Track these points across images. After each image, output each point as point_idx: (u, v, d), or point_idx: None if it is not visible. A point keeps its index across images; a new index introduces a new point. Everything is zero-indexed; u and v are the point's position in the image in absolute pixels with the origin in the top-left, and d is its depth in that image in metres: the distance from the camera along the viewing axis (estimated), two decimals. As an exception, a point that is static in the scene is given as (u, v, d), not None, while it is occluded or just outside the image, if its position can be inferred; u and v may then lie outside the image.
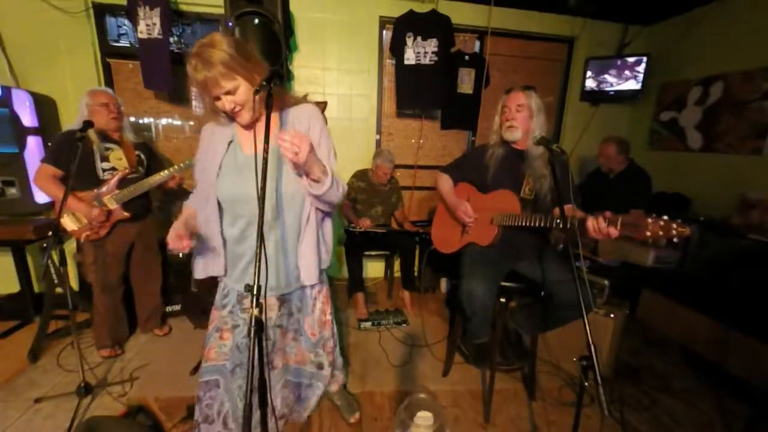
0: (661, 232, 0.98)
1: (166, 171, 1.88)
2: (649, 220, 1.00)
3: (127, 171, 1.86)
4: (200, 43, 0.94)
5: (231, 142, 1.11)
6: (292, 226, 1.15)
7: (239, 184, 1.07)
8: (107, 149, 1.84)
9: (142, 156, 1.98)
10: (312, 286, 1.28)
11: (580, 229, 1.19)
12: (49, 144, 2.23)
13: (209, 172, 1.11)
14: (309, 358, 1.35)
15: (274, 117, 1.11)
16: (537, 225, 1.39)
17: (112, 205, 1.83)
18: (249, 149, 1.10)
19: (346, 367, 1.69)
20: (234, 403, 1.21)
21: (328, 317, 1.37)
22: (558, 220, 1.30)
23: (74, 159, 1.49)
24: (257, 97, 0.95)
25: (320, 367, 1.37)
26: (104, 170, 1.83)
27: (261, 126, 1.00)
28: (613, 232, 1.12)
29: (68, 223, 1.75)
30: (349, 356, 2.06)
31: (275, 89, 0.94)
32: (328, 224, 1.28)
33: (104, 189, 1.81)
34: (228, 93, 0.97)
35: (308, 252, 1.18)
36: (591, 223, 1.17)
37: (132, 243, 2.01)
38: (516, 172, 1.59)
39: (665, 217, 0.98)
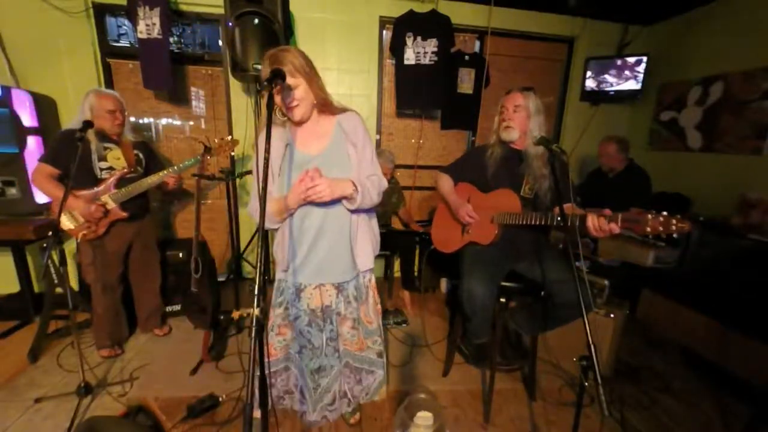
0: (660, 228, 0.99)
1: (164, 171, 1.88)
2: (649, 216, 1.01)
3: (125, 170, 1.86)
4: (277, 48, 1.14)
5: (288, 144, 1.21)
6: (345, 217, 1.24)
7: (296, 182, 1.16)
8: (105, 148, 1.84)
9: (141, 155, 1.98)
10: (365, 275, 1.35)
11: (581, 227, 1.20)
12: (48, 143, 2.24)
13: (271, 172, 1.16)
14: (367, 344, 1.41)
15: (331, 121, 1.25)
16: (537, 223, 1.39)
17: (110, 205, 1.83)
18: (307, 149, 1.22)
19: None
20: (305, 380, 1.38)
21: (379, 306, 1.43)
22: (558, 218, 1.30)
23: (73, 159, 1.48)
24: (308, 100, 1.15)
25: (380, 355, 1.44)
26: (102, 169, 1.82)
27: (314, 126, 1.23)
28: (614, 228, 1.13)
29: (65, 222, 1.75)
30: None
31: (325, 97, 1.20)
32: (374, 216, 1.39)
33: (102, 188, 1.81)
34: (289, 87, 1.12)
35: (362, 240, 1.28)
36: (591, 220, 1.18)
37: (130, 243, 2.01)
38: (515, 171, 1.60)
39: (665, 213, 0.99)
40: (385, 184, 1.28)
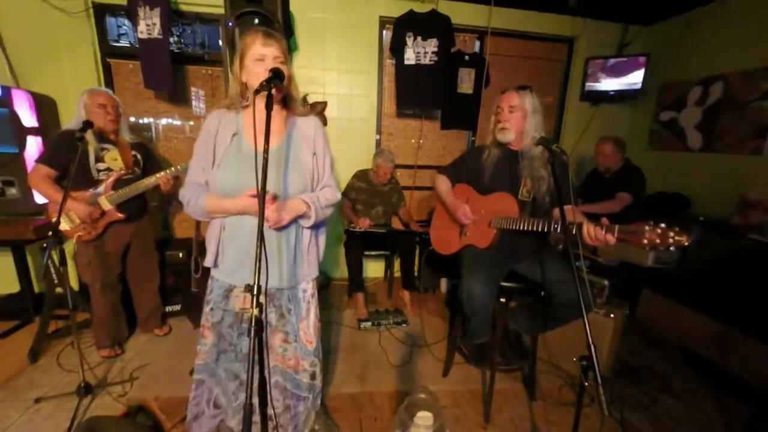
0: (658, 240, 0.97)
1: (161, 173, 1.87)
2: (647, 228, 0.99)
3: (122, 172, 1.86)
4: (264, 28, 1.13)
5: (235, 134, 1.14)
6: (291, 224, 1.16)
7: (239, 177, 1.09)
8: (103, 149, 1.83)
9: (139, 156, 1.97)
10: (305, 290, 1.27)
11: (578, 234, 1.19)
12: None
13: (209, 160, 1.13)
14: (304, 366, 1.29)
15: (289, 119, 1.20)
16: (534, 229, 1.38)
17: (107, 206, 1.82)
18: (256, 144, 1.10)
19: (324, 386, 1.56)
20: (223, 385, 1.27)
21: (319, 323, 1.33)
22: (555, 225, 1.30)
23: (73, 159, 1.48)
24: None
25: (313, 377, 1.32)
26: (99, 170, 1.82)
27: (278, 122, 1.16)
28: (610, 239, 1.12)
29: (61, 222, 1.74)
30: (349, 356, 2.07)
31: (291, 93, 1.14)
32: (323, 231, 1.31)
33: (100, 189, 1.80)
34: (276, 59, 1.08)
35: (306, 249, 1.23)
36: (587, 229, 1.17)
37: (128, 243, 2.00)
38: (513, 173, 1.59)
39: (663, 225, 0.97)
40: (338, 196, 1.24)
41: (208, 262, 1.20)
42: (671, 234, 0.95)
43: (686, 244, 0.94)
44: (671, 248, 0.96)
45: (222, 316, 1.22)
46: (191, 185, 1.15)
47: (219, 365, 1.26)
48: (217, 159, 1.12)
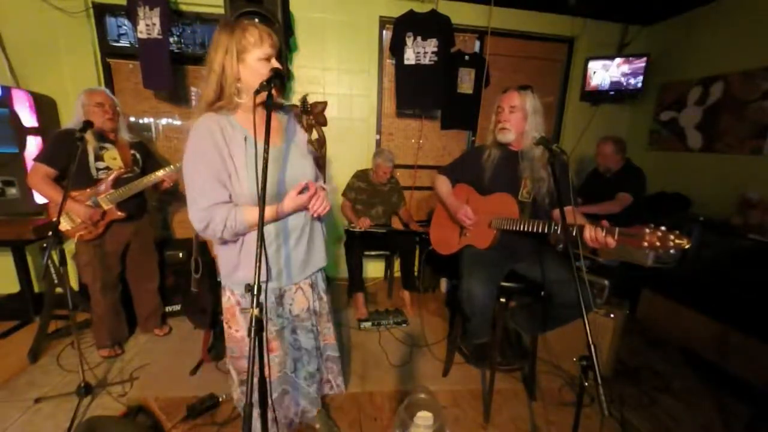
0: (658, 243, 0.98)
1: (161, 171, 1.88)
2: (647, 230, 1.00)
3: (121, 171, 1.86)
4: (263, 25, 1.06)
5: (246, 137, 1.04)
6: (307, 213, 1.16)
7: (271, 177, 1.01)
8: (102, 148, 1.83)
9: (138, 155, 1.98)
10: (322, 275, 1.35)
11: (578, 236, 1.20)
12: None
13: (228, 170, 1.02)
14: (336, 337, 1.44)
15: (278, 113, 1.18)
16: (534, 230, 1.38)
17: (107, 205, 1.82)
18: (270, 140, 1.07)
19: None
20: (303, 392, 1.36)
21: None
22: (556, 227, 1.30)
23: (73, 159, 1.48)
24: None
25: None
26: (98, 169, 1.82)
27: (275, 119, 1.12)
28: (611, 241, 1.12)
29: (62, 222, 1.74)
30: (349, 356, 2.07)
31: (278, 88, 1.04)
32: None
33: (100, 188, 1.80)
34: (277, 59, 1.05)
35: (321, 234, 1.29)
36: (588, 231, 1.17)
37: (128, 243, 2.01)
38: (513, 174, 1.58)
39: (663, 228, 0.98)
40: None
41: (246, 278, 1.08)
42: (671, 237, 0.95)
43: (686, 247, 0.94)
44: (671, 251, 0.96)
45: (282, 323, 1.21)
46: (212, 207, 0.99)
47: (298, 375, 1.32)
48: (239, 167, 1.02)
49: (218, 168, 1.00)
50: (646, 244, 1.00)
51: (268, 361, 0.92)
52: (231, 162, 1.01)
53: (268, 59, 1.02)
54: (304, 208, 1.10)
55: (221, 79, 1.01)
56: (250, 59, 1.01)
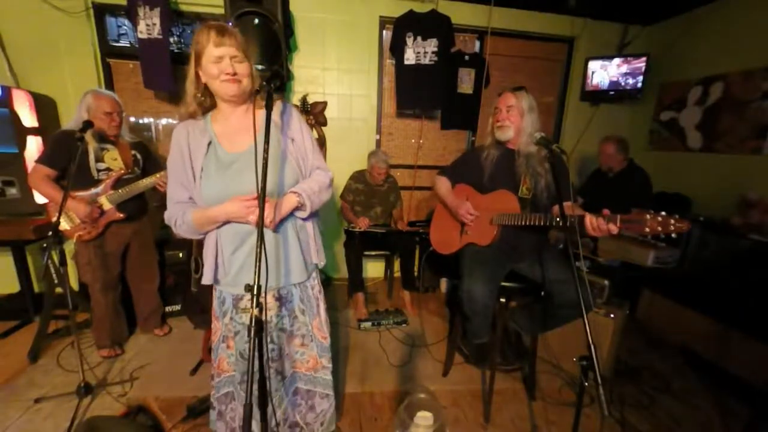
0: (659, 228, 0.99)
1: (161, 172, 1.87)
2: (648, 216, 1.01)
3: (122, 171, 1.86)
4: (214, 21, 1.03)
5: (210, 142, 1.06)
6: (290, 219, 1.12)
7: (222, 186, 1.04)
8: (102, 149, 1.83)
9: (138, 156, 1.97)
10: (312, 286, 1.25)
11: (579, 227, 1.20)
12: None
13: (189, 174, 1.06)
14: (323, 363, 1.26)
15: (259, 114, 1.08)
16: (536, 224, 1.39)
17: (107, 206, 1.82)
18: (232, 147, 1.07)
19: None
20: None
21: (327, 318, 1.33)
22: (557, 219, 1.30)
23: (73, 159, 1.49)
24: (248, 81, 1.03)
25: (332, 374, 1.31)
26: (99, 170, 1.82)
27: (241, 120, 1.09)
28: (613, 228, 1.13)
29: (61, 222, 1.74)
30: (349, 356, 2.07)
31: (256, 87, 1.04)
32: (316, 218, 1.27)
33: (100, 189, 1.80)
34: (234, 59, 1.01)
35: (309, 242, 1.19)
36: (589, 220, 1.18)
37: (128, 243, 2.00)
38: (512, 172, 1.60)
39: (663, 213, 0.99)
40: (330, 174, 1.18)
41: (206, 279, 1.12)
42: (672, 221, 0.97)
43: (686, 229, 0.95)
44: (673, 235, 0.97)
45: (237, 328, 1.16)
46: (174, 205, 1.09)
47: (242, 389, 1.20)
48: (197, 172, 1.05)
49: (179, 172, 1.07)
50: (648, 229, 1.01)
51: (268, 361, 0.92)
52: (191, 167, 1.06)
53: (218, 62, 0.99)
54: (243, 219, 1.02)
55: (193, 84, 1.06)
56: (204, 62, 1.00)
